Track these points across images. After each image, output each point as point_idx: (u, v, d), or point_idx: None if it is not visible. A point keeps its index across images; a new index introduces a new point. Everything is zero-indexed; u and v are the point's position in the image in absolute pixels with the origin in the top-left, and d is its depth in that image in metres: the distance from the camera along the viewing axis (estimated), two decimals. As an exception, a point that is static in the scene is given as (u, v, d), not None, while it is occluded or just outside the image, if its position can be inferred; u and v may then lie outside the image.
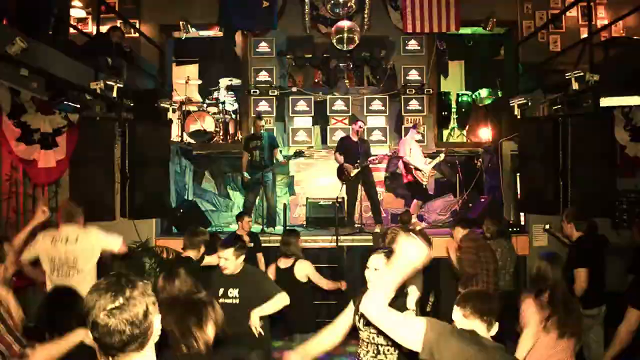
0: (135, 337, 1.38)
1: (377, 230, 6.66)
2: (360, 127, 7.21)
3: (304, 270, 4.40)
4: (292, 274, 4.37)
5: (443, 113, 8.97)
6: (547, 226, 5.85)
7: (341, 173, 7.21)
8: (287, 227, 6.84)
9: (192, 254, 4.12)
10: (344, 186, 7.14)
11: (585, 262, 4.06)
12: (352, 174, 7.05)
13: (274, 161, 7.30)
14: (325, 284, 4.55)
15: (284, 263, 4.50)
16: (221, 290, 3.54)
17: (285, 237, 4.63)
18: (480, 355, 1.79)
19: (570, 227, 4.31)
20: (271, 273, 4.54)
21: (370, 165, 7.21)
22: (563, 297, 3.03)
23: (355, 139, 7.18)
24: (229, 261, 3.48)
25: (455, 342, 1.77)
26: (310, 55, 8.77)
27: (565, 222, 4.37)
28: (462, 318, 2.24)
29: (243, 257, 3.58)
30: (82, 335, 2.29)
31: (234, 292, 3.52)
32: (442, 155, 7.55)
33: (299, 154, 7.69)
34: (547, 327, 2.92)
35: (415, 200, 7.66)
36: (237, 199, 8.49)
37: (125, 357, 1.41)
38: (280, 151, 7.57)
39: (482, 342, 1.89)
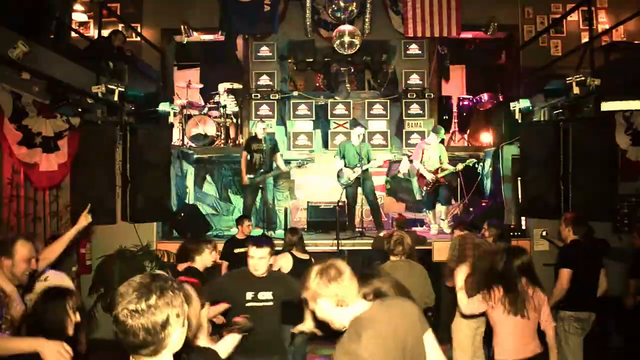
0: (147, 344, 1.38)
1: (382, 234, 6.57)
2: (361, 131, 7.23)
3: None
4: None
5: (444, 117, 8.97)
6: (545, 232, 5.83)
7: (341, 177, 7.21)
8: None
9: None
10: (344, 190, 7.14)
11: (569, 264, 4.06)
12: (351, 178, 7.05)
13: (274, 167, 7.28)
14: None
15: (301, 254, 4.57)
16: (250, 295, 3.39)
17: (296, 237, 4.72)
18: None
19: (567, 230, 4.29)
20: (285, 262, 4.59)
21: (370, 170, 7.20)
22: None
23: (356, 143, 7.19)
24: (264, 260, 3.36)
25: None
26: (311, 59, 8.76)
27: (563, 226, 4.35)
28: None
29: (273, 258, 3.54)
30: (33, 347, 2.15)
31: (266, 294, 3.39)
32: (458, 167, 7.15)
33: (300, 164, 7.55)
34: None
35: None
36: (238, 202, 8.48)
37: (138, 359, 1.43)
38: (282, 155, 7.53)
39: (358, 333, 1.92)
